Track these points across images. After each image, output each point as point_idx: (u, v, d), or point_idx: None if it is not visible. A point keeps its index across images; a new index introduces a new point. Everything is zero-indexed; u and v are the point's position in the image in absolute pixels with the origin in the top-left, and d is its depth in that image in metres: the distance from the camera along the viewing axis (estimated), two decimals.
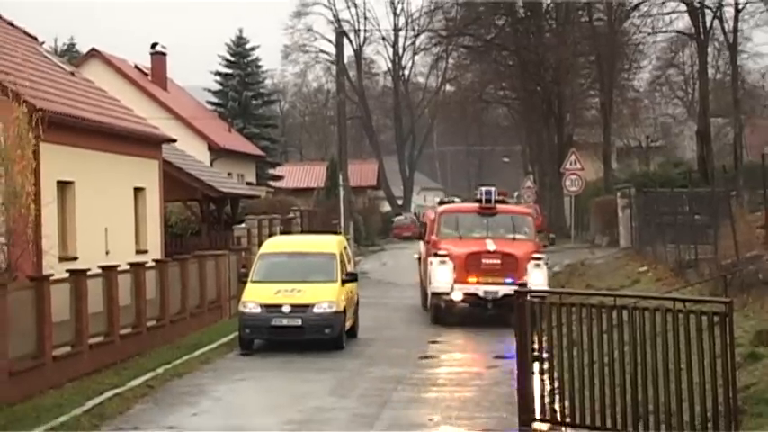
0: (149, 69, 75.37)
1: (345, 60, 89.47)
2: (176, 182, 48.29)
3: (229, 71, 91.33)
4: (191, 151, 60.08)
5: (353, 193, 72.46)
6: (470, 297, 38.10)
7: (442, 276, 38.05)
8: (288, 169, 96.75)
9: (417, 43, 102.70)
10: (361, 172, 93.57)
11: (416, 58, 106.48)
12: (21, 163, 27.01)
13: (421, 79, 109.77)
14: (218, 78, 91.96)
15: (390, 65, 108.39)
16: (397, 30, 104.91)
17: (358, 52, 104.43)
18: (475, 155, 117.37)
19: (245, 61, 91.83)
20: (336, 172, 69.70)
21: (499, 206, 41.23)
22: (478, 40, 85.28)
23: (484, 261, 38.39)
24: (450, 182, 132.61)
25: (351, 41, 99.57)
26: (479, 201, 41.23)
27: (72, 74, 44.51)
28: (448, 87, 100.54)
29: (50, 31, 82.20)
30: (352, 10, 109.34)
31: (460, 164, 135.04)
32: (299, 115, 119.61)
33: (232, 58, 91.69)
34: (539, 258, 38.17)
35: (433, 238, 40.68)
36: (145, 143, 43.46)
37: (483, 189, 41.62)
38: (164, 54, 76.27)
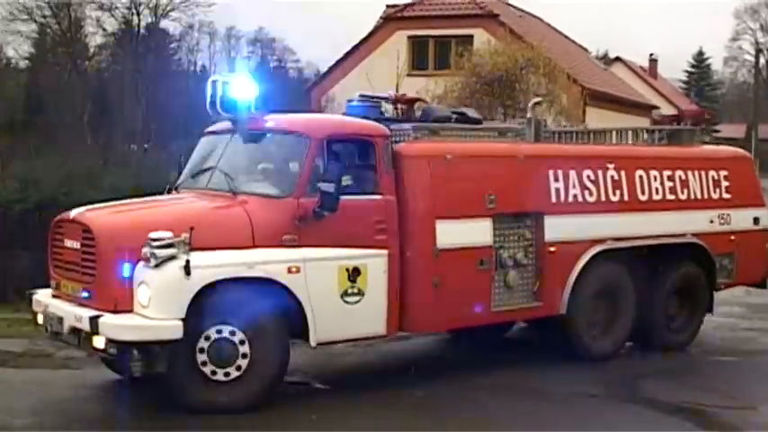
0: (647, 68, 69.91)
1: None
2: None
3: (692, 70, 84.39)
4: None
5: None
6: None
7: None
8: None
9: None
10: None
11: None
12: (575, 115, 24.91)
13: None
14: (684, 74, 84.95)
15: None
16: None
17: None
18: None
19: (700, 66, 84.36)
20: None
21: (264, 120, 5.97)
22: None
23: (57, 245, 5.37)
24: None
25: None
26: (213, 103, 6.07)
27: (605, 69, 41.51)
28: None
29: (593, 43, 77.69)
30: None
31: None
32: None
33: (694, 63, 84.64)
34: (167, 246, 4.76)
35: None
36: (641, 108, 39.84)
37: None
38: (655, 60, 69.97)
